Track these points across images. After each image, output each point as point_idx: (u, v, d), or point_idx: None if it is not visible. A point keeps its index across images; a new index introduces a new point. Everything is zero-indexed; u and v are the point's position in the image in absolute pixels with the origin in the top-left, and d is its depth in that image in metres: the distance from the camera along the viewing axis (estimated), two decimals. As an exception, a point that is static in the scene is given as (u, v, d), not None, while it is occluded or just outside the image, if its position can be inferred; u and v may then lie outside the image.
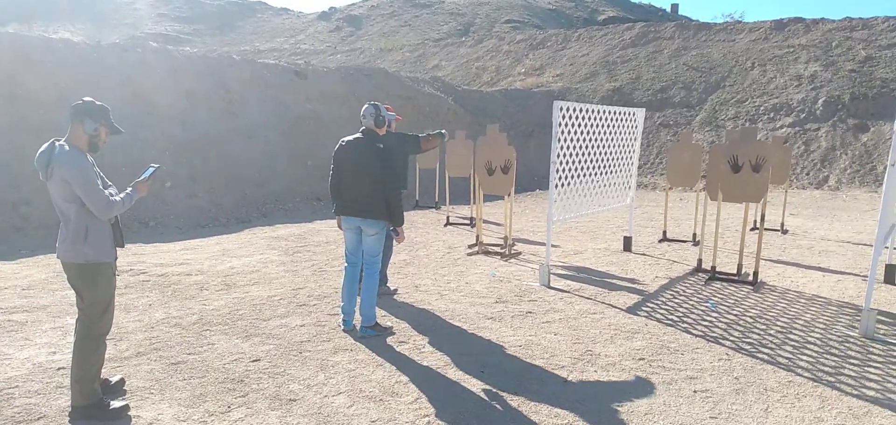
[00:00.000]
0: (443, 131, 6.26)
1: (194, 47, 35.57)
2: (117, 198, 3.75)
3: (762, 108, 20.09)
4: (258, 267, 7.95)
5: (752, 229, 10.77)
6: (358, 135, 5.35)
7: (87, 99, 3.76)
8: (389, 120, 6.20)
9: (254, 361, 4.75)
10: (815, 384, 4.51)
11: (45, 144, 3.64)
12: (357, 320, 5.50)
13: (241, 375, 4.49)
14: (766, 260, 8.71)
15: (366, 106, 5.39)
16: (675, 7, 59.81)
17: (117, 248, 3.87)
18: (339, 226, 5.54)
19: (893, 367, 4.82)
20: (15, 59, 11.83)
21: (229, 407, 3.99)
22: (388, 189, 5.20)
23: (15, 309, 5.88)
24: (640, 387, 4.41)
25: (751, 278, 7.34)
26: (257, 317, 5.84)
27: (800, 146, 18.37)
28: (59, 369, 4.47)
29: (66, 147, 3.65)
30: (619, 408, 4.09)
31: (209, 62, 15.92)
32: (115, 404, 3.87)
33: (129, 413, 3.88)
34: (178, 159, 12.56)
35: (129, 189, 3.88)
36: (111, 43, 14.93)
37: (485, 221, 12.07)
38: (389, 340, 5.28)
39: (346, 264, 5.54)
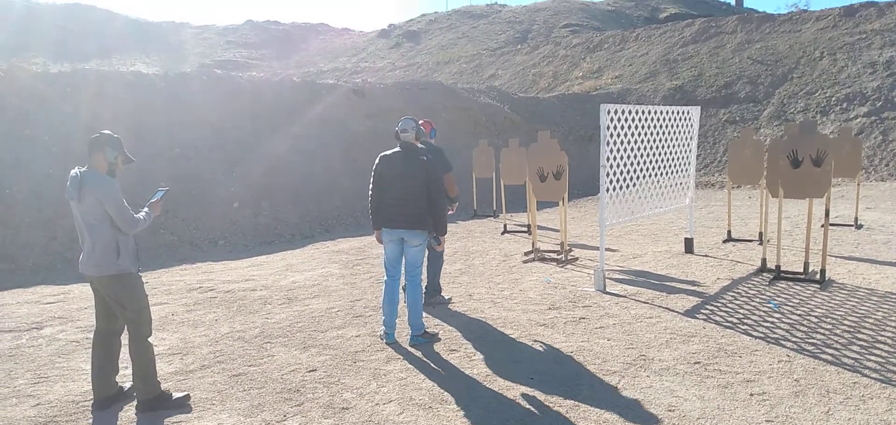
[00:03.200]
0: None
1: (260, 71, 36.91)
2: (140, 216, 4.19)
3: (834, 99, 19.19)
4: (319, 280, 8.19)
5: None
6: (397, 149, 5.45)
7: (105, 131, 4.21)
8: (433, 135, 6.45)
9: (310, 371, 4.93)
10: (884, 385, 4.31)
11: (74, 170, 4.08)
12: (401, 333, 5.61)
13: (298, 385, 4.66)
14: (837, 256, 8.34)
15: (403, 120, 5.48)
16: (739, 0, 57.75)
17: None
18: (379, 240, 5.62)
19: (971, 366, 4.54)
20: (92, 93, 12.65)
21: (285, 415, 4.16)
22: (433, 199, 5.29)
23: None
24: (694, 392, 4.32)
25: (818, 276, 7.04)
26: (315, 329, 6.04)
27: (877, 136, 17.43)
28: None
29: (94, 172, 4.09)
30: (670, 413, 4.02)
31: (271, 85, 16.52)
32: (178, 395, 4.34)
33: (189, 402, 4.35)
34: (244, 180, 13.08)
35: (146, 209, 4.30)
36: (178, 73, 15.72)
37: (543, 228, 12.03)
38: (440, 348, 5.37)
39: (385, 277, 5.61)
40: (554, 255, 9.07)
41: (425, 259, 6.13)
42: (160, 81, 14.22)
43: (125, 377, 4.61)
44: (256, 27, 58.87)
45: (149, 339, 4.27)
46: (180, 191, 11.55)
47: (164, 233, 10.74)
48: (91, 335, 5.97)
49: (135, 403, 4.31)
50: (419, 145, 5.52)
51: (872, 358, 4.79)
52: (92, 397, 4.40)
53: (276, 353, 5.38)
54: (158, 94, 13.70)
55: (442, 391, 4.49)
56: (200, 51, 51.42)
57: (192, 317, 6.62)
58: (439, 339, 5.58)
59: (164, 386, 4.43)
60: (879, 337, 5.22)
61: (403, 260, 5.58)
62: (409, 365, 5.00)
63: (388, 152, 5.48)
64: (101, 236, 4.06)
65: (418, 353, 5.27)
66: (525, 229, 11.82)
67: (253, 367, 5.06)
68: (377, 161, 5.49)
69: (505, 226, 12.15)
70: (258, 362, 5.17)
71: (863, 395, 4.17)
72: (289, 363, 5.13)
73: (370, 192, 5.55)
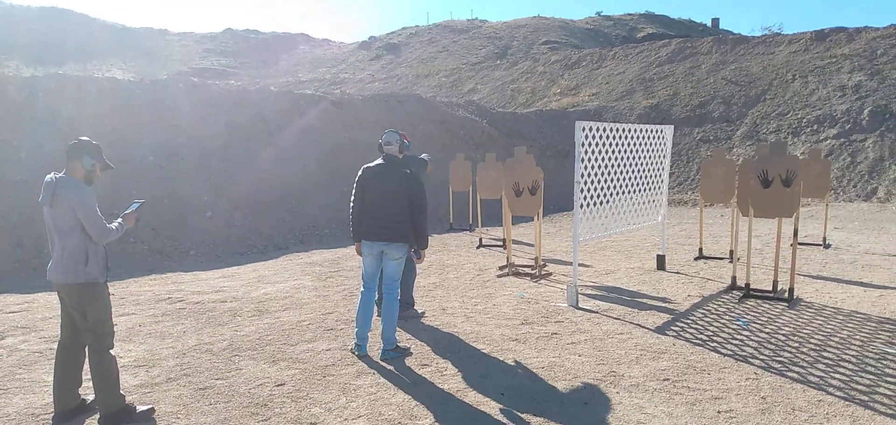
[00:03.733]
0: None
1: (239, 80, 36.66)
2: (112, 226, 4.14)
3: (805, 121, 19.59)
4: (291, 293, 8.11)
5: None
6: (379, 161, 5.45)
7: (83, 138, 4.17)
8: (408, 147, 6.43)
9: (278, 385, 4.86)
10: (847, 403, 4.37)
11: (49, 175, 4.04)
12: (372, 347, 5.57)
13: (266, 399, 4.59)
14: (805, 275, 8.47)
15: (387, 133, 5.49)
16: (715, 21, 58.97)
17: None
18: (358, 252, 5.60)
19: (932, 385, 4.63)
20: (66, 98, 12.45)
21: (251, 430, 4.09)
22: (416, 213, 5.29)
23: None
24: (663, 408, 4.34)
25: (786, 295, 7.15)
26: (285, 342, 5.96)
27: (845, 158, 17.81)
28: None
29: (70, 178, 4.05)
30: (639, 430, 4.04)
31: (248, 94, 16.41)
32: (142, 408, 4.24)
33: (154, 416, 4.26)
34: (218, 189, 12.94)
35: (120, 220, 4.25)
36: (153, 79, 15.56)
37: (518, 242, 12.06)
38: (412, 363, 5.33)
39: (361, 289, 5.60)
40: (528, 270, 9.09)
41: None
42: (135, 88, 14.05)
43: (88, 389, 4.49)
44: (236, 36, 58.59)
45: (110, 352, 4.19)
46: (152, 199, 11.39)
47: (134, 242, 10.57)
48: (55, 346, 5.84)
49: (97, 416, 4.21)
50: (401, 157, 5.53)
51: (837, 376, 4.86)
52: (53, 410, 4.29)
53: (245, 367, 5.29)
54: (133, 101, 13.53)
55: (412, 406, 4.46)
56: (179, 58, 50.96)
57: (160, 328, 6.50)
58: (411, 354, 5.55)
59: (128, 399, 4.33)
60: (844, 356, 5.30)
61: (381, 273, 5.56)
62: (380, 380, 4.96)
63: (371, 164, 5.47)
64: (71, 243, 4.00)
65: (390, 368, 5.23)
66: (500, 243, 11.84)
67: (220, 381, 4.97)
68: (360, 173, 5.48)
69: (480, 239, 12.17)
70: (226, 375, 5.09)
71: (827, 413, 4.22)
72: (257, 377, 5.05)
73: (351, 204, 5.53)
